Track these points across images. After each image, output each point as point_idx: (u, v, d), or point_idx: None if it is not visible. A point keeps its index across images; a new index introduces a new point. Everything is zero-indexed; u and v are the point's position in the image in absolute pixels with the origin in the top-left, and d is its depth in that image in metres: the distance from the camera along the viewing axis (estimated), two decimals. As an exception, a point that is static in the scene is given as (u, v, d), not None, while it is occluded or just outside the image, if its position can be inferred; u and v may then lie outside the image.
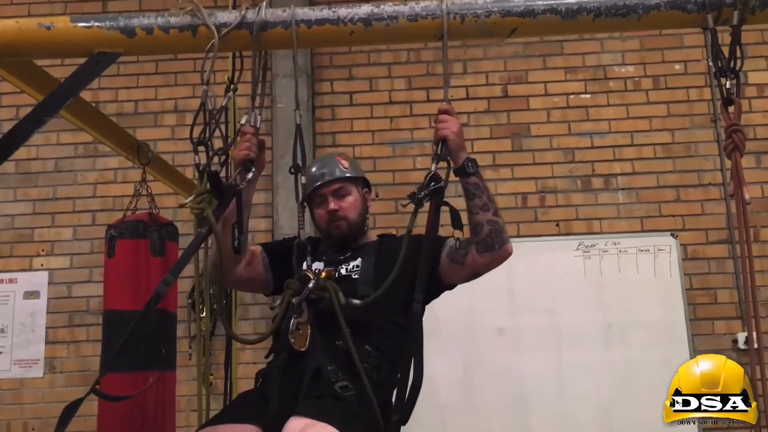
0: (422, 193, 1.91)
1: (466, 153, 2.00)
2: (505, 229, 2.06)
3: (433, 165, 1.94)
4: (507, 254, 2.07)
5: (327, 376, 1.89)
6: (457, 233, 2.02)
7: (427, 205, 1.95)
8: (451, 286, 2.19)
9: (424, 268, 1.96)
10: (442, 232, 2.02)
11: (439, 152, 1.95)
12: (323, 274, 2.01)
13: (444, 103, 1.98)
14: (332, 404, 1.82)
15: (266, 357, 2.13)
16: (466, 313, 4.14)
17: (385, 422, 1.90)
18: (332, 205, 2.26)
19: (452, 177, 1.98)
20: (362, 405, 1.86)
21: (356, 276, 2.16)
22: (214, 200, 1.90)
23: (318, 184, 2.28)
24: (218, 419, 1.97)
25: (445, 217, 1.97)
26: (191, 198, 1.86)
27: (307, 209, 2.16)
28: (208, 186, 1.87)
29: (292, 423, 1.74)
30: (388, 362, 2.03)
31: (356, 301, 1.94)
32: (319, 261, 2.18)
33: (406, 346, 1.95)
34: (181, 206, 1.90)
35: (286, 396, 1.88)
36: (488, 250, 2.04)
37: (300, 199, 2.04)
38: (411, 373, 1.91)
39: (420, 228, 1.97)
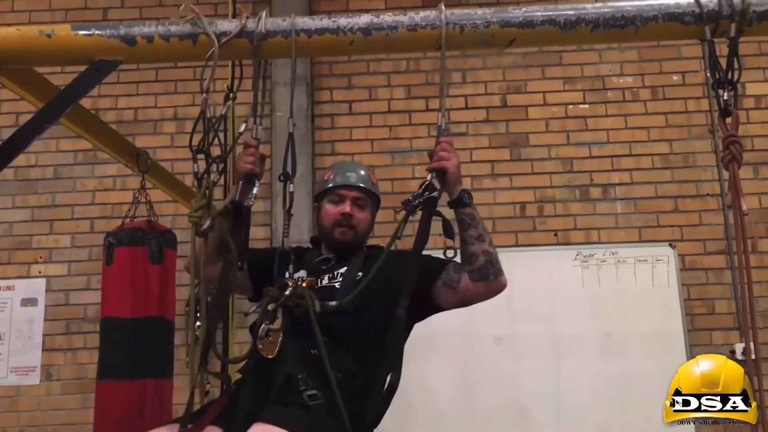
0: (416, 201, 1.91)
1: (461, 185, 2.01)
2: (500, 261, 2.06)
3: (430, 175, 1.96)
4: (501, 286, 2.07)
5: (296, 383, 1.85)
6: (449, 242, 2.00)
7: (418, 215, 1.95)
8: (440, 309, 2.17)
9: (411, 278, 1.94)
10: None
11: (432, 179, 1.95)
12: (305, 283, 2.01)
13: (446, 136, 1.99)
14: (297, 411, 1.77)
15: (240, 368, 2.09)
16: (464, 322, 4.13)
17: None
18: (348, 209, 2.23)
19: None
20: (331, 414, 1.81)
21: (338, 285, 2.13)
22: (213, 210, 1.90)
23: (344, 183, 2.26)
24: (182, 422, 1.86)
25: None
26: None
27: (293, 217, 2.12)
28: (207, 194, 1.86)
29: (254, 429, 1.70)
30: (366, 373, 1.96)
31: (332, 303, 1.92)
32: (303, 270, 2.15)
33: (388, 351, 1.91)
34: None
35: (256, 402, 1.84)
36: (483, 279, 2.05)
37: (287, 206, 2.01)
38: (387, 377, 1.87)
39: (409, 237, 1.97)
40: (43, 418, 4.38)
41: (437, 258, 2.10)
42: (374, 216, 2.35)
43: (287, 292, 1.93)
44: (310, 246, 2.42)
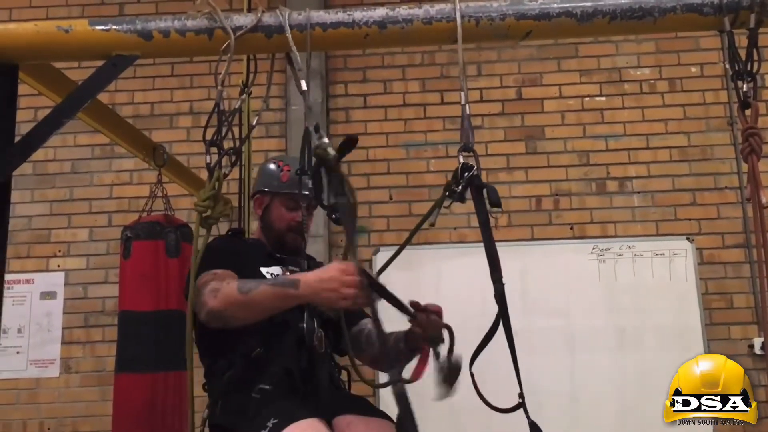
0: (460, 186, 1.84)
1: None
2: None
3: (461, 156, 1.85)
4: None
5: (336, 378, 2.17)
6: (496, 211, 1.92)
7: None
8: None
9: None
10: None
11: None
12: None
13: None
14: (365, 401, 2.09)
15: (253, 352, 2.04)
16: (477, 315, 4.10)
17: None
18: (300, 218, 2.20)
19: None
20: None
21: None
22: (221, 201, 1.91)
23: (305, 192, 2.10)
24: (298, 415, 1.82)
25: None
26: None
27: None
28: (216, 186, 1.88)
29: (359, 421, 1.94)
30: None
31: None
32: (276, 266, 2.16)
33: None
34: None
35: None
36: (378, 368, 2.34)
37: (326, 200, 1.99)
38: None
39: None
40: (63, 410, 4.43)
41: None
42: None
43: None
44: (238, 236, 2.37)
